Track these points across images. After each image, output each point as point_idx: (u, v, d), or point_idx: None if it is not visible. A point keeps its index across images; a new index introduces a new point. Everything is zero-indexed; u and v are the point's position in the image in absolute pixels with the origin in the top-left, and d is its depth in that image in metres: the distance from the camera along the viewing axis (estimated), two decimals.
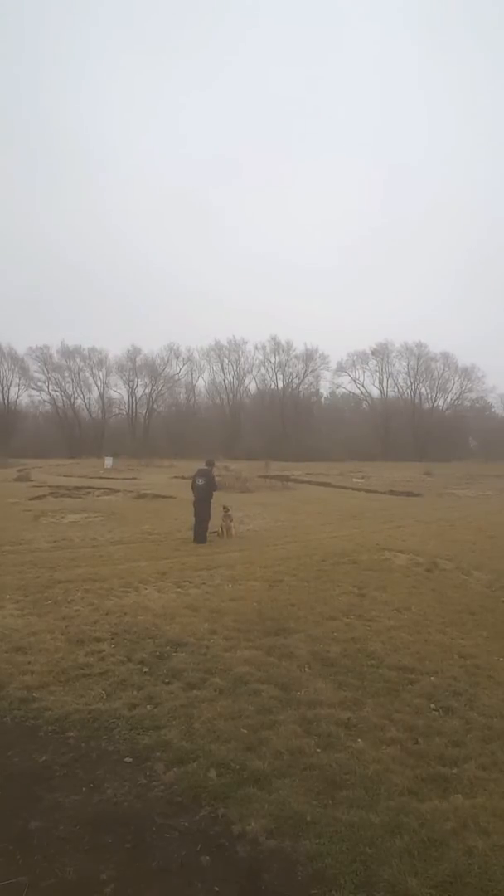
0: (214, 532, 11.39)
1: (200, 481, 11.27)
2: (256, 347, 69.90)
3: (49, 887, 2.29)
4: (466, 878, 2.39)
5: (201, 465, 12.07)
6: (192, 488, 11.30)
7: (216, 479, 11.92)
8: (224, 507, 11.72)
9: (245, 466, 32.76)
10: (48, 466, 37.14)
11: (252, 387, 72.49)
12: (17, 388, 65.06)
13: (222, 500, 14.03)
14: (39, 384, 65.67)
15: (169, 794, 2.94)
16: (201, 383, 71.89)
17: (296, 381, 70.04)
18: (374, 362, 69.79)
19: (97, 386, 67.89)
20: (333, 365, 69.75)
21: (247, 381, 71.78)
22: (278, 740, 3.47)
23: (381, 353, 69.14)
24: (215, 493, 11.35)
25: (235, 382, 70.82)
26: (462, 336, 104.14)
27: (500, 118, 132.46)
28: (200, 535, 10.81)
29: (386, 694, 4.26)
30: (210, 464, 11.95)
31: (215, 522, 11.59)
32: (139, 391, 69.02)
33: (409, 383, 69.88)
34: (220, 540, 11.10)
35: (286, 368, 69.70)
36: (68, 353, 66.12)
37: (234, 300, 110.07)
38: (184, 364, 69.85)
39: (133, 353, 67.75)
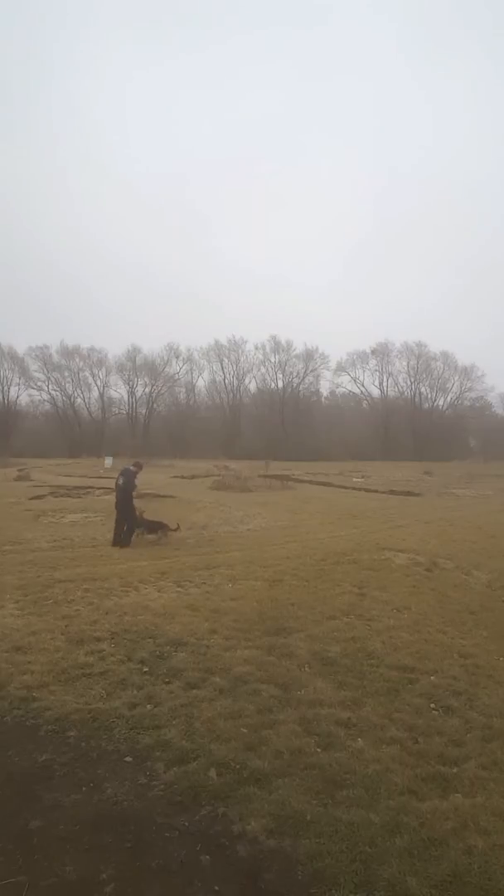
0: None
1: (121, 481, 10.70)
2: (256, 347, 70.07)
3: (49, 887, 2.29)
4: (466, 877, 2.39)
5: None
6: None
7: (136, 481, 10.96)
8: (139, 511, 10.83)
9: (245, 466, 32.73)
10: (48, 466, 37.12)
11: (252, 386, 72.63)
12: (17, 388, 65.32)
13: (222, 500, 14.02)
14: (39, 384, 65.89)
15: (169, 794, 2.94)
16: (201, 383, 72.06)
17: (296, 380, 70.16)
18: (374, 362, 69.97)
19: (97, 386, 68.08)
20: (333, 364, 69.89)
21: (247, 381, 71.96)
22: (278, 740, 3.46)
23: (381, 353, 69.29)
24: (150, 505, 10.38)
25: (235, 382, 70.98)
26: (462, 335, 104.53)
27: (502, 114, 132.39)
28: (119, 536, 10.26)
29: (386, 693, 4.26)
30: (137, 465, 11.43)
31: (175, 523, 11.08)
32: (139, 391, 69.27)
33: (409, 383, 70.02)
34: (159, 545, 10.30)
35: (286, 368, 69.87)
36: (68, 352, 66.31)
37: (234, 300, 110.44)
38: (184, 364, 70.03)
39: (133, 353, 67.93)
